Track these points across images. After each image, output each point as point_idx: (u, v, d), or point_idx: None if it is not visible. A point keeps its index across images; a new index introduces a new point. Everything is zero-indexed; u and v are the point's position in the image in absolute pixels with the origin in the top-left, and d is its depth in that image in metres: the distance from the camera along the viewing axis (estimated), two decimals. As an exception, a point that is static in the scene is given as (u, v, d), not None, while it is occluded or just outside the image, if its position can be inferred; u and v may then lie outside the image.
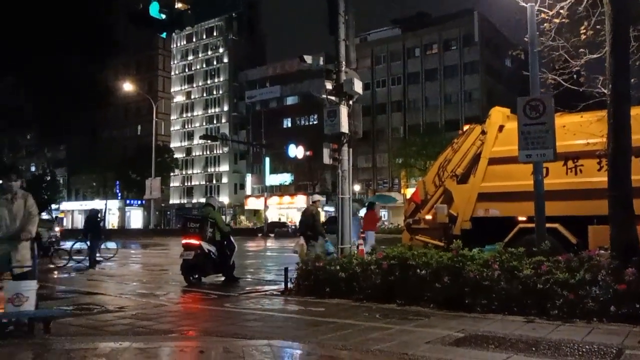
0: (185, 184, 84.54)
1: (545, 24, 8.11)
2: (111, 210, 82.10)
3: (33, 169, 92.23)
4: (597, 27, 7.50)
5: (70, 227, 78.98)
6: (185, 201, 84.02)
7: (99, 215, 17.15)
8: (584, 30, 7.70)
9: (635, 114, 7.14)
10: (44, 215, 22.83)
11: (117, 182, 74.16)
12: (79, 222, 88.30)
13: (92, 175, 77.25)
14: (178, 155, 78.76)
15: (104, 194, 77.59)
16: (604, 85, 7.35)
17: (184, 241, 10.95)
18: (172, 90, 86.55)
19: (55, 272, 14.23)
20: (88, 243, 15.39)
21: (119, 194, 78.01)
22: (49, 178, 79.61)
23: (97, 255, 15.66)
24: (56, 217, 66.34)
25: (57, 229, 20.84)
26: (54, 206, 75.60)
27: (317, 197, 11.79)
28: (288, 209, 67.40)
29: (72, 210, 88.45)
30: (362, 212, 17.33)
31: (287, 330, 5.99)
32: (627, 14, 6.93)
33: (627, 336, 5.28)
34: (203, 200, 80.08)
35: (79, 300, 8.67)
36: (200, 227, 10.74)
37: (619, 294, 5.92)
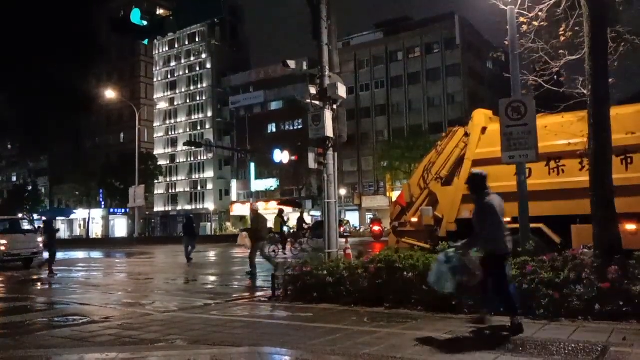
0: (170, 191, 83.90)
1: (524, 27, 8.21)
2: (95, 220, 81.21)
3: (14, 179, 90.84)
4: (576, 28, 7.62)
5: (53, 237, 77.80)
6: (170, 208, 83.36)
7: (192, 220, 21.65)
8: (563, 32, 7.82)
9: (615, 114, 7.26)
10: (27, 226, 22.50)
11: (101, 191, 73.32)
12: (62, 232, 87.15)
13: (74, 184, 76.29)
14: (162, 162, 78.15)
15: (87, 203, 76.66)
16: (584, 86, 7.46)
17: None
18: (154, 97, 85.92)
19: (39, 284, 14.01)
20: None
21: (103, 203, 77.13)
22: (30, 188, 78.49)
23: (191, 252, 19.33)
24: (39, 227, 65.28)
25: (39, 239, 20.50)
26: (36, 216, 74.53)
27: None
28: (274, 214, 67.17)
29: (55, 220, 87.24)
30: None
31: (275, 336, 5.96)
32: (604, 16, 7.05)
33: (611, 334, 5.34)
34: (188, 207, 79.79)
35: (63, 312, 8.54)
36: None
37: (602, 292, 5.99)
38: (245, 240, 15.60)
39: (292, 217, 64.49)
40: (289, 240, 21.60)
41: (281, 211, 23.32)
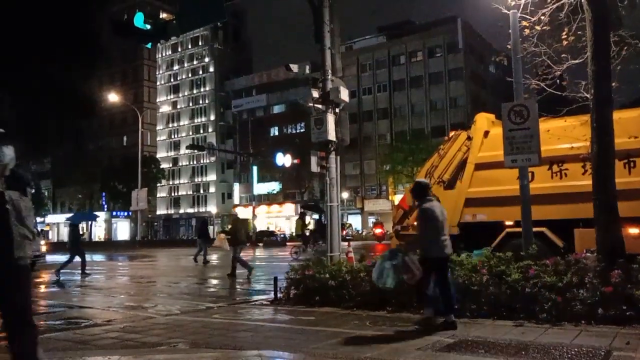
0: (172, 194, 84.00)
1: (527, 31, 8.22)
2: (97, 222, 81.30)
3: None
4: (578, 32, 7.62)
5: (56, 240, 78.08)
6: (173, 212, 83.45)
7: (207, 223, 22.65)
8: (565, 36, 7.82)
9: (617, 117, 7.26)
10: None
11: (103, 194, 73.45)
12: (65, 235, 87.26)
13: (77, 187, 76.44)
14: (165, 165, 78.27)
15: (90, 205, 76.82)
16: (587, 89, 7.45)
17: None
18: (157, 100, 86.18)
19: (41, 286, 14.03)
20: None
21: (105, 206, 77.24)
22: (33, 191, 78.62)
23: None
24: (42, 230, 65.41)
25: (42, 242, 20.54)
26: (38, 219, 74.63)
27: None
28: (277, 218, 67.22)
29: (58, 223, 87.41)
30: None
31: (277, 340, 5.96)
32: (607, 20, 7.05)
33: (614, 338, 5.32)
34: (190, 210, 79.89)
35: (66, 315, 8.55)
36: None
37: (605, 296, 5.97)
38: (223, 242, 16.11)
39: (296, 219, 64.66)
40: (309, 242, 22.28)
41: (303, 214, 24.44)
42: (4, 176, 3.96)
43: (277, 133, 69.17)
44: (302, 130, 61.64)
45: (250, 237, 20.28)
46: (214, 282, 14.21)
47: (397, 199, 46.31)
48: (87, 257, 17.11)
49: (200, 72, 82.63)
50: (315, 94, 9.57)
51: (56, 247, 47.46)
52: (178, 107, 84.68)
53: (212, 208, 77.90)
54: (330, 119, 9.41)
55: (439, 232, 6.20)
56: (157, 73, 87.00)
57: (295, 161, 32.09)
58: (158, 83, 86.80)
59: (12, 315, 3.63)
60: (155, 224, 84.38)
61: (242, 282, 13.19)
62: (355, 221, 60.26)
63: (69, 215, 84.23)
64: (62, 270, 15.89)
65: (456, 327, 5.99)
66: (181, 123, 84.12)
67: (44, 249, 20.24)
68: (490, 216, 9.90)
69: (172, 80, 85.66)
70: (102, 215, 79.63)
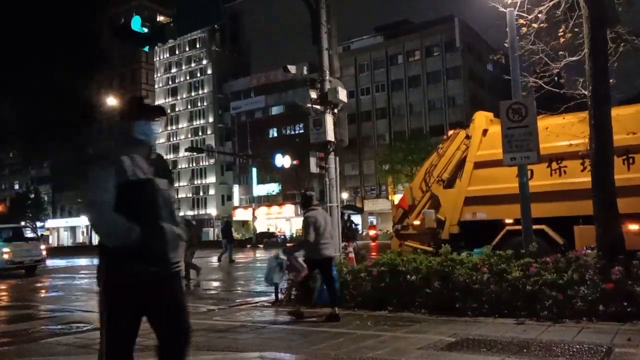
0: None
1: (524, 29, 8.22)
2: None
3: (17, 187, 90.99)
4: (575, 30, 7.62)
5: (56, 244, 78.08)
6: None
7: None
8: (563, 34, 7.82)
9: (615, 114, 7.26)
10: (29, 234, 22.51)
11: (103, 198, 73.10)
12: (65, 239, 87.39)
13: (77, 191, 76.32)
14: (164, 168, 78.08)
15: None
16: (585, 87, 7.46)
17: None
18: (156, 103, 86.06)
19: (42, 291, 14.02)
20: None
21: (105, 210, 76.93)
22: (32, 196, 78.65)
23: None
24: (42, 235, 65.35)
25: (43, 247, 20.52)
26: (38, 224, 74.61)
27: None
28: (277, 219, 67.19)
29: (58, 228, 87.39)
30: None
31: (278, 341, 5.96)
32: (603, 17, 7.06)
33: (616, 334, 5.32)
34: (190, 213, 79.92)
35: (67, 319, 8.54)
36: None
37: (606, 292, 5.97)
38: None
39: (296, 220, 64.61)
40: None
41: (342, 214, 25.09)
42: (149, 160, 3.05)
43: (276, 134, 69.15)
44: (300, 132, 61.62)
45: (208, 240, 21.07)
46: (215, 284, 14.20)
47: (396, 198, 46.31)
48: (88, 262, 17.09)
49: (198, 75, 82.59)
50: (314, 95, 9.58)
51: (56, 252, 47.46)
52: (176, 109, 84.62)
53: (212, 210, 77.88)
54: (329, 119, 9.41)
55: (320, 237, 6.92)
56: (155, 76, 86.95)
57: (295, 162, 32.04)
58: (156, 86, 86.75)
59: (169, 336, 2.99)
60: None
61: (243, 283, 13.18)
62: (355, 221, 60.24)
63: (69, 219, 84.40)
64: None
65: (339, 320, 6.67)
66: (180, 126, 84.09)
67: (44, 253, 20.23)
68: (490, 214, 9.90)
69: (170, 83, 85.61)
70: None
